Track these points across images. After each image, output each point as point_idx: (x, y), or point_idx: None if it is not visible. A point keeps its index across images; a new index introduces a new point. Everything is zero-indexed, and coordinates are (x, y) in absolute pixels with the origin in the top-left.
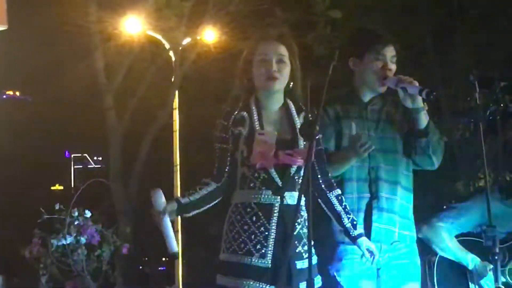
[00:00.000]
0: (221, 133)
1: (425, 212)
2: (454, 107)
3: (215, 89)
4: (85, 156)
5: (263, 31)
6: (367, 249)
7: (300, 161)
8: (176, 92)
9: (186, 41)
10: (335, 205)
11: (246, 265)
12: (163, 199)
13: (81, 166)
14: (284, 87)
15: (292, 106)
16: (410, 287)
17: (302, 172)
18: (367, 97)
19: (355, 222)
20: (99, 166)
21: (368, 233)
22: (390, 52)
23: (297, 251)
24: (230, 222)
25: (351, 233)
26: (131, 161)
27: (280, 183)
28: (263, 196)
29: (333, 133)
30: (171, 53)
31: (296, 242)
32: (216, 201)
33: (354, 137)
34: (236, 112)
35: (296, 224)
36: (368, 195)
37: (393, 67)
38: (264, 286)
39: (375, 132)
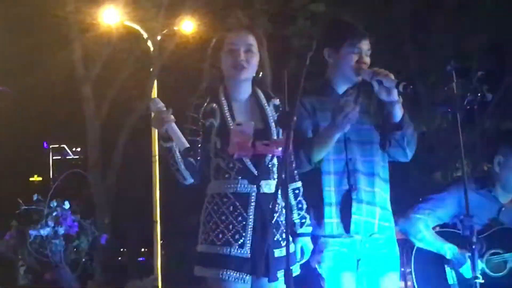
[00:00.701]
0: (191, 125)
1: (404, 202)
2: (432, 97)
3: (194, 79)
4: (64, 147)
5: (231, 21)
6: (301, 249)
7: (277, 151)
8: (155, 83)
9: (165, 31)
10: (289, 198)
11: (225, 255)
12: (161, 103)
13: (59, 157)
14: (252, 76)
15: (261, 94)
16: (390, 277)
17: (276, 161)
18: (341, 88)
19: (303, 221)
20: (78, 157)
21: (347, 225)
22: (366, 45)
23: (275, 239)
24: (207, 213)
25: (295, 229)
26: (109, 152)
27: (255, 172)
28: (239, 185)
29: (310, 125)
30: (149, 44)
31: (274, 230)
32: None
33: (337, 108)
34: (206, 104)
35: (274, 212)
36: (346, 187)
37: (368, 60)
38: (243, 276)
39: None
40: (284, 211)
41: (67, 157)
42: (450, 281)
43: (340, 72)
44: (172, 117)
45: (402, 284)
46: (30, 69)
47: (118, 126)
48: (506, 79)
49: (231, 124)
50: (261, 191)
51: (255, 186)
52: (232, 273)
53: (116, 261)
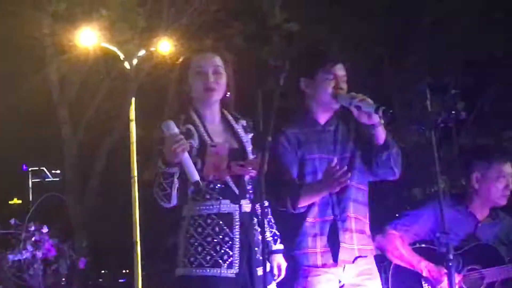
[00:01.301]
0: None
1: (382, 219)
2: (409, 114)
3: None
4: (43, 169)
5: (196, 43)
6: (278, 266)
7: (252, 172)
8: (133, 104)
9: (142, 53)
10: (257, 223)
11: (215, 277)
12: (176, 128)
13: (39, 180)
14: (221, 97)
15: (229, 115)
16: None
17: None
18: (322, 118)
19: (276, 238)
20: (57, 179)
21: (336, 254)
22: (340, 70)
23: (256, 257)
24: (190, 236)
25: (269, 247)
26: (87, 174)
27: (237, 192)
28: (222, 206)
29: (295, 160)
30: (126, 65)
31: (256, 249)
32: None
33: (328, 171)
34: (181, 126)
35: (254, 231)
36: (331, 217)
37: (345, 86)
38: None
39: (333, 154)
40: (259, 229)
41: (47, 180)
42: None
43: (319, 101)
44: (188, 144)
45: None
46: (7, 91)
47: (96, 147)
48: (482, 96)
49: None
50: (243, 210)
51: (237, 205)
52: None
53: (97, 282)
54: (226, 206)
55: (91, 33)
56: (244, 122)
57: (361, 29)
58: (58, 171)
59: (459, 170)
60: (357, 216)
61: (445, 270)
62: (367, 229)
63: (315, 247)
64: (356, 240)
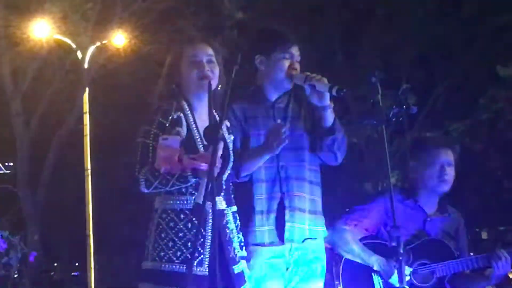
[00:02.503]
0: (155, 129)
1: (333, 213)
2: (361, 108)
3: (125, 92)
4: None
5: (187, 34)
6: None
7: (204, 165)
8: (87, 97)
9: (96, 45)
10: (229, 222)
11: (183, 273)
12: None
13: None
14: (214, 87)
15: (216, 115)
16: (316, 285)
17: (229, 177)
18: (273, 95)
19: (242, 244)
20: (10, 172)
21: (281, 233)
22: (296, 51)
23: (231, 256)
24: (161, 229)
25: (236, 252)
26: (40, 166)
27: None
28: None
29: (240, 135)
30: (79, 57)
31: (229, 247)
32: None
33: (272, 131)
34: (173, 112)
35: (226, 229)
36: (279, 194)
37: (298, 66)
38: None
39: None
40: (233, 229)
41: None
42: None
43: (272, 78)
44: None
45: None
46: None
47: (49, 140)
48: (435, 91)
49: (197, 136)
50: (217, 207)
51: (211, 202)
52: None
53: (49, 276)
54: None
55: (44, 25)
56: (227, 123)
57: (313, 21)
58: (11, 164)
59: (408, 164)
60: (313, 197)
61: (395, 264)
62: (320, 209)
63: (263, 225)
64: (308, 221)
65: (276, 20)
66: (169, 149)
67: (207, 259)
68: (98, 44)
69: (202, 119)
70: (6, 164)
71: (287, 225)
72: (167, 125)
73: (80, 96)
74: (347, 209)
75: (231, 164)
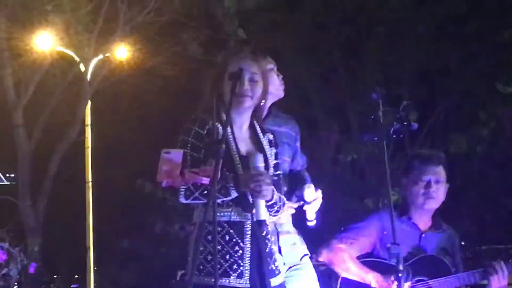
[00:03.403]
0: (194, 140)
1: (333, 230)
2: (362, 124)
3: (127, 104)
4: None
5: (235, 46)
6: None
7: (205, 180)
8: (89, 109)
9: (98, 58)
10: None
11: (224, 286)
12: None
13: None
14: (254, 105)
15: (258, 127)
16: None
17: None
18: None
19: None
20: (10, 183)
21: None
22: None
23: (269, 268)
24: (199, 242)
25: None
26: (41, 178)
27: (251, 200)
28: (233, 213)
29: None
30: (82, 70)
31: (268, 259)
32: None
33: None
34: (210, 122)
35: (267, 240)
36: None
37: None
38: None
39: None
40: (274, 240)
41: (0, 183)
42: None
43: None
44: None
45: None
46: None
47: (50, 152)
48: (436, 108)
49: (234, 150)
50: (255, 219)
51: (249, 214)
52: None
53: (49, 287)
54: (237, 214)
55: (47, 37)
56: (270, 136)
57: (316, 37)
58: (12, 175)
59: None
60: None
61: (392, 280)
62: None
63: None
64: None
65: (277, 35)
66: (171, 163)
67: (247, 272)
68: (100, 56)
69: (241, 134)
70: (7, 175)
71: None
72: (203, 135)
73: (82, 108)
74: (342, 228)
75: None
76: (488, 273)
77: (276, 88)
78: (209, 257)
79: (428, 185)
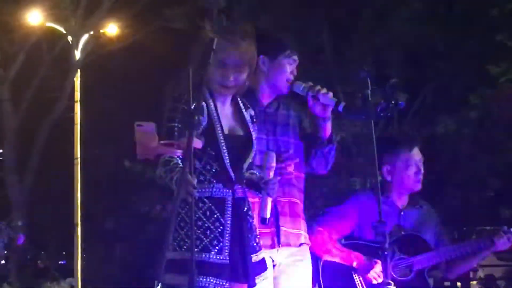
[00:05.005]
0: (180, 115)
1: (319, 209)
2: (350, 104)
3: (116, 81)
4: None
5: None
6: None
7: (179, 152)
8: (78, 85)
9: (87, 34)
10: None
11: (204, 262)
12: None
13: None
14: (235, 91)
15: (241, 102)
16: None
17: (249, 166)
18: (266, 99)
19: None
20: None
21: (278, 237)
22: (297, 60)
23: (250, 244)
24: (180, 219)
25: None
26: (28, 153)
27: (233, 176)
28: (214, 189)
29: None
30: (70, 43)
31: (249, 236)
32: None
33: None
34: (196, 100)
35: (248, 217)
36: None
37: (294, 74)
38: (223, 283)
39: (273, 135)
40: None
41: None
42: None
43: (272, 81)
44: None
45: None
46: None
47: (38, 127)
48: (425, 87)
49: (219, 129)
50: (236, 195)
51: (230, 190)
52: (211, 280)
53: (36, 264)
54: (219, 190)
55: (37, 12)
56: (252, 112)
57: (303, 17)
58: (1, 150)
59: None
60: (298, 201)
61: (374, 260)
62: (303, 214)
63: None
64: (302, 226)
65: (264, 13)
66: (145, 135)
67: (226, 247)
68: (90, 33)
69: (225, 110)
70: None
71: (282, 229)
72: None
73: (69, 82)
74: (321, 212)
75: (252, 153)
76: (495, 237)
77: (283, 86)
78: (190, 233)
79: (417, 167)
